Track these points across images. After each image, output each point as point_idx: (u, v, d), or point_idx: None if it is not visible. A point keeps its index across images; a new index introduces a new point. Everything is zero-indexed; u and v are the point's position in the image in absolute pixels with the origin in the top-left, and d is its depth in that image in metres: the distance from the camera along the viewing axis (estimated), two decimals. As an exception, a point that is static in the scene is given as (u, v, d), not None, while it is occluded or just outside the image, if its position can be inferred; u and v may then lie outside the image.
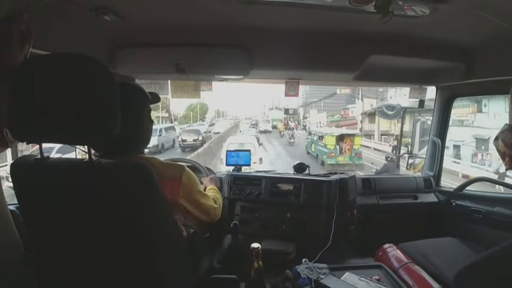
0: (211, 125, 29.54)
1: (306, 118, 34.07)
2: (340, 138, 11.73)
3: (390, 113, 2.52)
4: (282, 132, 23.46)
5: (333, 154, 11.53)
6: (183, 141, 15.75)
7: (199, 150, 11.84)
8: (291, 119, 33.55)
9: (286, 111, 2.46)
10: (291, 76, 1.91)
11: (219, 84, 2.03)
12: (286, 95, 1.96)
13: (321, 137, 12.63)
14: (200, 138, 15.69)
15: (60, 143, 0.77)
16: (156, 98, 1.05)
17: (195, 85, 1.91)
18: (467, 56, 1.60)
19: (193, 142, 15.28)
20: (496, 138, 1.25)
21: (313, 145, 13.61)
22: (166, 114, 29.39)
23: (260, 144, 10.07)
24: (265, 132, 25.32)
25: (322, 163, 11.86)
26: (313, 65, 1.68)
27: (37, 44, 0.98)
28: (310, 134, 16.53)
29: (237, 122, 36.31)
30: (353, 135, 12.05)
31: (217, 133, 20.64)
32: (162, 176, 0.85)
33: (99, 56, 0.74)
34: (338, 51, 1.58)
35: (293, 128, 24.63)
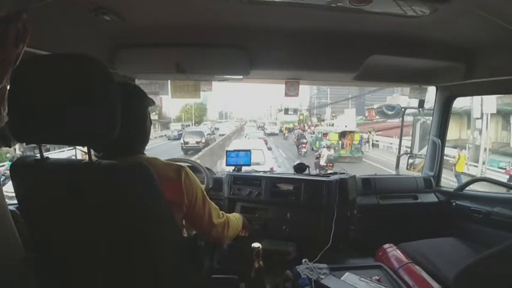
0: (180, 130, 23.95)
1: (323, 120, 32.02)
2: (342, 134, 13.63)
3: (390, 113, 2.52)
4: (286, 135, 23.21)
5: (336, 148, 13.02)
6: (185, 143, 15.43)
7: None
8: (309, 122, 31.20)
9: (286, 111, 2.45)
10: (291, 76, 1.91)
11: (221, 84, 2.03)
12: (286, 95, 1.96)
13: (325, 134, 14.49)
14: (203, 140, 15.40)
15: (59, 143, 0.77)
16: (151, 102, 1.05)
17: (195, 85, 1.91)
18: (467, 56, 1.60)
19: (196, 144, 15.01)
20: None
21: (317, 142, 15.12)
22: (156, 117, 27.67)
23: (269, 149, 9.07)
24: (272, 135, 24.32)
25: (327, 156, 13.09)
26: (313, 65, 1.68)
27: (37, 44, 0.98)
28: (314, 133, 18.34)
29: (242, 125, 33.83)
30: (353, 132, 13.87)
31: (223, 135, 20.38)
32: (163, 176, 0.85)
33: (99, 56, 0.74)
34: (338, 51, 1.58)
35: (303, 130, 22.91)
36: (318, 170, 7.76)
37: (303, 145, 14.07)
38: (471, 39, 1.47)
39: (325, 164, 9.17)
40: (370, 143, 17.37)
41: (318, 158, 9.84)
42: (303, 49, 1.59)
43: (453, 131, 14.25)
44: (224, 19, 1.37)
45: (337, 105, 33.61)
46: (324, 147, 10.94)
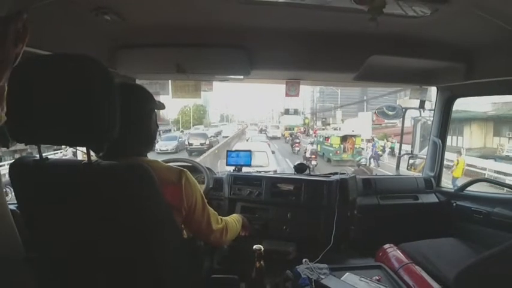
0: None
1: (329, 124, 31.38)
2: (344, 138, 13.96)
3: (391, 113, 2.52)
4: (288, 138, 23.14)
5: (338, 152, 13.80)
6: (190, 145, 16.08)
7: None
8: (315, 126, 30.29)
9: (287, 111, 2.45)
10: (291, 76, 1.91)
11: (222, 87, 2.04)
12: (287, 95, 1.97)
13: (326, 138, 14.85)
14: (207, 142, 16.01)
15: (58, 144, 0.77)
16: (161, 106, 1.04)
17: (196, 85, 1.92)
18: (467, 56, 1.60)
19: (200, 146, 15.62)
20: None
21: (318, 145, 15.38)
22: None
23: (273, 152, 8.85)
24: (274, 138, 23.71)
25: (328, 160, 14.10)
26: (314, 65, 1.68)
27: (37, 44, 0.98)
28: (314, 136, 18.98)
29: (243, 128, 32.45)
30: (354, 136, 14.07)
31: (226, 137, 20.77)
32: (163, 179, 0.84)
33: (99, 56, 0.74)
34: (339, 52, 1.58)
35: (307, 134, 24.00)
36: (305, 161, 10.05)
37: (296, 144, 16.32)
38: (472, 39, 1.47)
39: (309, 156, 11.94)
40: (387, 152, 14.87)
41: (305, 152, 12.91)
42: (303, 49, 1.59)
43: (478, 139, 13.27)
44: (224, 19, 1.37)
45: (348, 108, 32.88)
46: (309, 143, 13.88)
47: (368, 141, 15.30)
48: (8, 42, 0.85)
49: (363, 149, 14.33)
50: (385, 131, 19.25)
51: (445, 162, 2.20)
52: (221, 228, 1.11)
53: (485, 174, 9.86)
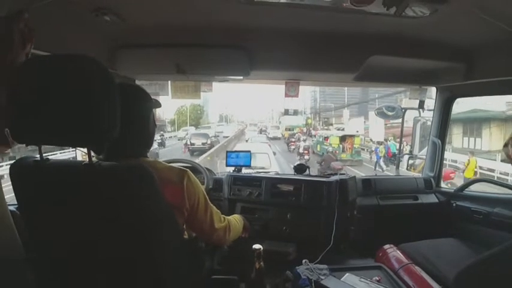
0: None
1: (331, 125, 30.69)
2: (343, 138, 14.30)
3: (390, 113, 2.52)
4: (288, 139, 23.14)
5: (337, 152, 13.66)
6: (192, 144, 16.27)
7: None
8: (318, 127, 29.26)
9: (286, 111, 2.45)
10: (291, 77, 1.91)
11: (221, 87, 2.04)
12: (286, 95, 1.97)
13: (326, 138, 15.26)
14: (209, 142, 16.20)
15: (59, 145, 0.77)
16: (157, 104, 1.04)
17: (195, 86, 1.91)
18: (467, 56, 1.60)
19: (201, 146, 15.78)
20: (506, 145, 1.25)
21: (318, 145, 15.66)
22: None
23: (274, 154, 8.72)
24: (274, 139, 22.82)
25: (328, 160, 13.69)
26: (314, 66, 1.68)
27: (37, 45, 0.98)
28: (314, 136, 19.47)
29: (243, 129, 31.45)
30: (353, 136, 14.42)
31: (227, 137, 21.06)
32: (164, 179, 0.84)
33: (99, 56, 0.74)
34: (338, 52, 1.58)
35: (309, 135, 23.31)
36: (299, 157, 11.55)
37: (292, 143, 16.82)
38: (471, 39, 1.47)
39: (302, 151, 12.72)
40: (406, 159, 11.91)
41: (298, 148, 13.62)
42: (303, 50, 1.59)
43: (497, 140, 12.08)
44: (224, 20, 1.37)
45: (350, 108, 32.61)
46: (302, 141, 14.24)
47: (379, 143, 14.39)
48: (15, 43, 0.85)
49: (373, 151, 13.85)
50: (392, 131, 18.70)
51: (455, 165, 2.19)
52: (224, 227, 1.11)
53: (508, 180, 8.96)
